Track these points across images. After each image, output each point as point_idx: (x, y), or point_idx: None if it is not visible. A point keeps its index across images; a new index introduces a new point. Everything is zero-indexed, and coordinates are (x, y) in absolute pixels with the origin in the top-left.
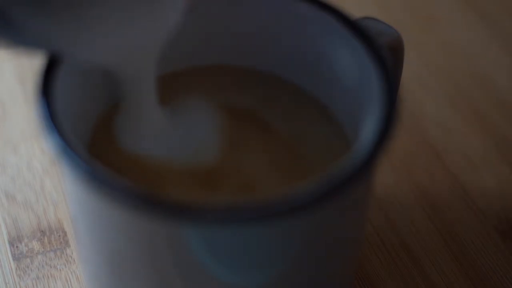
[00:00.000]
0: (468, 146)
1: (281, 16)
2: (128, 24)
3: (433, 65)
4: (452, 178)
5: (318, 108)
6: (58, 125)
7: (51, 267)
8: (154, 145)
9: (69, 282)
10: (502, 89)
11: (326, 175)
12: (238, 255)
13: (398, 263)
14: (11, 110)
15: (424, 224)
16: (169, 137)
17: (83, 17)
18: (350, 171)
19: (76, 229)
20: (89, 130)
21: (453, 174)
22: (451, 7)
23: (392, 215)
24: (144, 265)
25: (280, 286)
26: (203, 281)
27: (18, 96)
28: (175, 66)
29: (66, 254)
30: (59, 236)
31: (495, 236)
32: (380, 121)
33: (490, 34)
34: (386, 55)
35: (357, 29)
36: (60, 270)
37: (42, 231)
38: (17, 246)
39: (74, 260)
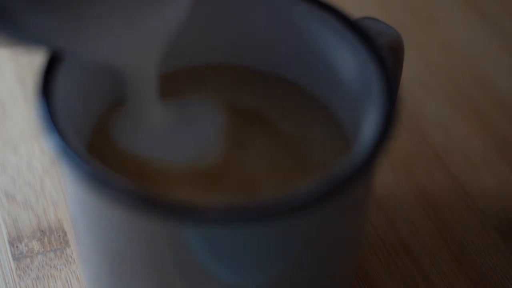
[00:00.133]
0: (468, 146)
1: (282, 16)
2: (130, 23)
3: (433, 65)
4: (452, 178)
5: (319, 108)
6: (58, 125)
7: (51, 267)
8: (155, 145)
9: (69, 282)
10: (502, 89)
11: (326, 175)
12: (238, 255)
13: (398, 263)
14: (11, 110)
15: (424, 224)
16: (170, 136)
17: (84, 15)
18: (350, 171)
19: (76, 229)
20: (89, 130)
21: (453, 174)
22: (451, 7)
23: (392, 215)
24: (144, 265)
25: (280, 286)
26: (203, 281)
27: (18, 96)
28: (178, 65)
29: (66, 254)
30: (59, 236)
31: (495, 236)
32: (380, 121)
33: (490, 34)
34: (386, 55)
35: (357, 29)
36: (60, 270)
37: (42, 231)
38: (17, 246)
39: (74, 260)
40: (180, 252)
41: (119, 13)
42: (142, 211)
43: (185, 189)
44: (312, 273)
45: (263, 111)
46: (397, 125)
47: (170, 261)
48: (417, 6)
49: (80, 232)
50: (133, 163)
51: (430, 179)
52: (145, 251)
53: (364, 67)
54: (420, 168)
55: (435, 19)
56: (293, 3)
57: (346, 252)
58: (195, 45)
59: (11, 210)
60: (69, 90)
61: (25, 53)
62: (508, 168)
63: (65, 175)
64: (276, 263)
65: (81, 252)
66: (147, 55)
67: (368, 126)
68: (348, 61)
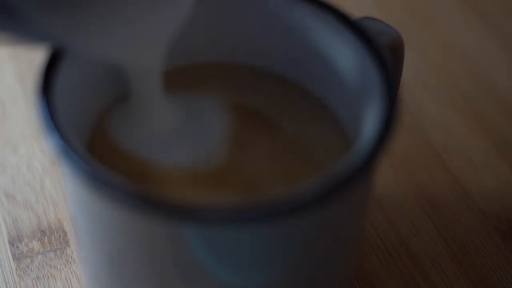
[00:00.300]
0: (468, 146)
1: (282, 16)
2: (133, 21)
3: (433, 65)
4: (452, 178)
5: (319, 108)
6: (58, 125)
7: (51, 267)
8: (156, 144)
9: (69, 282)
10: (502, 89)
11: (326, 175)
12: (238, 255)
13: (398, 263)
14: (11, 110)
15: (424, 224)
16: (172, 136)
17: (87, 13)
18: (350, 171)
19: (76, 229)
20: (90, 130)
21: (453, 174)
22: (451, 7)
23: (392, 215)
24: (144, 265)
25: (280, 286)
26: (203, 281)
27: (18, 96)
28: (177, 64)
29: (66, 254)
30: (59, 236)
31: (495, 236)
32: (380, 121)
33: (490, 34)
34: (386, 55)
35: (357, 29)
36: (60, 270)
37: (42, 231)
38: (17, 246)
39: (74, 260)
40: (180, 252)
41: (121, 12)
42: (142, 211)
43: (187, 190)
44: (312, 273)
45: (264, 111)
46: (397, 125)
47: (170, 261)
48: (417, 6)
49: (80, 232)
50: (133, 163)
51: (430, 179)
52: (145, 251)
53: (364, 67)
54: (420, 168)
55: (435, 19)
56: (293, 3)
57: (346, 252)
58: (195, 44)
59: (11, 210)
60: (69, 90)
61: (25, 52)
62: (508, 168)
63: (65, 175)
64: (276, 263)
65: (81, 252)
66: (150, 53)
67: (368, 126)
68: (348, 61)
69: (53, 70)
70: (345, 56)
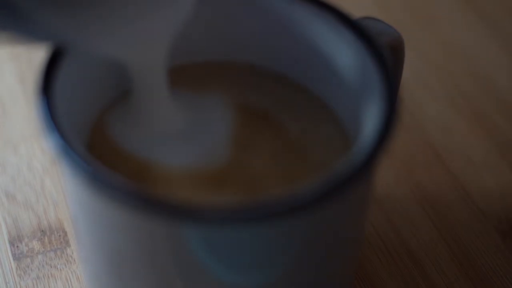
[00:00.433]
0: (468, 146)
1: (282, 15)
2: (135, 19)
3: (433, 65)
4: (452, 178)
5: (320, 108)
6: (58, 125)
7: (51, 266)
8: (158, 144)
9: (69, 282)
10: (502, 89)
11: (326, 175)
12: (238, 255)
13: (398, 263)
14: (11, 110)
15: (424, 224)
16: (175, 136)
17: (89, 11)
18: (350, 171)
19: (76, 229)
20: (90, 130)
21: (453, 174)
22: (451, 7)
23: (392, 215)
24: (144, 265)
25: (280, 286)
26: (203, 281)
27: (18, 96)
28: (180, 61)
29: (67, 254)
30: (60, 236)
31: (495, 236)
32: (380, 121)
33: (490, 34)
34: (386, 54)
35: (358, 29)
36: (60, 270)
37: (42, 230)
38: (17, 246)
39: (74, 260)
40: (180, 252)
41: (122, 12)
42: (142, 211)
43: (187, 190)
44: (312, 273)
45: (264, 110)
46: (397, 125)
47: (170, 261)
48: (417, 6)
49: (80, 232)
50: (133, 163)
51: (430, 179)
52: (145, 251)
53: (364, 67)
54: (420, 168)
55: (435, 19)
56: (293, 2)
57: (346, 252)
58: (196, 43)
59: (11, 210)
60: (70, 90)
61: (25, 52)
62: (508, 168)
63: (65, 174)
64: (276, 263)
65: (81, 252)
66: (151, 51)
67: (368, 126)
68: (348, 61)
69: (53, 70)
70: (345, 55)
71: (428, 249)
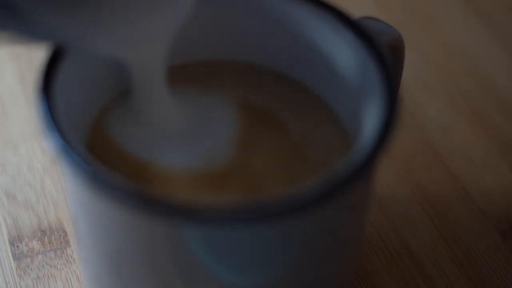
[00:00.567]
0: (468, 146)
1: (283, 15)
2: (135, 19)
3: (433, 65)
4: (452, 178)
5: (321, 107)
6: (58, 124)
7: (51, 266)
8: (159, 144)
9: (69, 282)
10: (502, 89)
11: (326, 175)
12: (238, 255)
13: (398, 263)
14: (11, 110)
15: (425, 224)
16: (176, 135)
17: (89, 11)
18: (350, 171)
19: (77, 229)
20: (90, 129)
21: (453, 174)
22: (451, 7)
23: (393, 215)
24: (144, 265)
25: (280, 286)
26: (203, 281)
27: (18, 96)
28: (181, 60)
29: (67, 254)
30: (60, 235)
31: (495, 236)
32: (380, 121)
33: (490, 34)
34: (386, 54)
35: (358, 28)
36: (60, 269)
37: (42, 230)
38: (17, 246)
39: (74, 260)
40: (180, 252)
41: (121, 12)
42: (142, 211)
43: (187, 190)
44: (312, 273)
45: (265, 109)
46: (397, 125)
47: (170, 261)
48: (417, 6)
49: (81, 232)
50: (134, 163)
51: (431, 179)
52: (145, 251)
53: (364, 66)
54: (420, 168)
55: (435, 19)
56: (294, 2)
57: (346, 252)
58: (196, 42)
59: (11, 210)
60: (70, 89)
61: (25, 52)
62: (508, 168)
63: (65, 174)
64: (276, 263)
65: (82, 252)
66: (151, 51)
67: (368, 126)
68: (348, 61)
69: (53, 70)
70: (346, 55)
71: (428, 249)
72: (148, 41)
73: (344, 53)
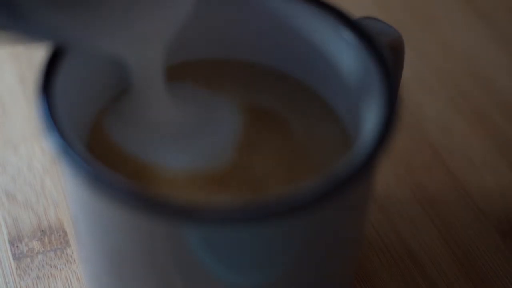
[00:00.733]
0: (468, 146)
1: (283, 15)
2: (135, 19)
3: (433, 65)
4: (452, 178)
5: (321, 107)
6: (58, 124)
7: (51, 266)
8: (158, 143)
9: (69, 282)
10: (502, 89)
11: (326, 175)
12: (238, 255)
13: (398, 263)
14: (11, 110)
15: (425, 224)
16: (176, 135)
17: (89, 11)
18: (350, 171)
19: (77, 229)
20: (90, 129)
21: (453, 174)
22: (451, 7)
23: (393, 215)
24: (144, 265)
25: (280, 286)
26: (203, 281)
27: (18, 96)
28: (181, 60)
29: (67, 254)
30: (60, 235)
31: (495, 236)
32: (381, 120)
33: (490, 34)
34: (386, 54)
35: (358, 28)
36: (60, 269)
37: (42, 230)
38: (17, 246)
39: (74, 260)
40: (180, 252)
41: (122, 12)
42: (142, 211)
43: (187, 190)
44: (312, 273)
45: (265, 109)
46: (397, 125)
47: (170, 261)
48: (417, 6)
49: (81, 232)
50: (134, 163)
51: (430, 179)
52: (145, 251)
53: (364, 66)
54: (420, 168)
55: (435, 19)
56: (294, 2)
57: (346, 252)
58: (197, 42)
59: (11, 210)
60: (69, 89)
61: (25, 52)
62: (508, 168)
63: (65, 174)
64: (276, 263)
65: (81, 252)
66: (151, 50)
67: (369, 125)
68: (349, 61)
69: (53, 69)
70: (346, 55)
71: (428, 249)
72: (148, 41)
73: (344, 53)
